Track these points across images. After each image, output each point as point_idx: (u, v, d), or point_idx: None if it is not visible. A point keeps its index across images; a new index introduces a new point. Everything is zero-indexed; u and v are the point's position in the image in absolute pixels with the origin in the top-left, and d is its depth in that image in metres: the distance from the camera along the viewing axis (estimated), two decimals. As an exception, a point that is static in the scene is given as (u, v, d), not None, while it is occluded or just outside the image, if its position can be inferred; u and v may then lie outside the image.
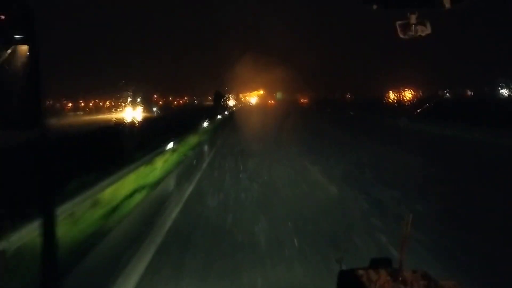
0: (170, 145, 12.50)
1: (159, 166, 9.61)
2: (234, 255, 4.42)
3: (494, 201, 7.08)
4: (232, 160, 11.75)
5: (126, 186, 6.99)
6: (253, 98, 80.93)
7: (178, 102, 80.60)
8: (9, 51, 1.10)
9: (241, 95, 76.76)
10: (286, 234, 5.10)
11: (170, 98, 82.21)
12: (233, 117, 41.12)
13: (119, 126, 17.28)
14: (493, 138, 16.32)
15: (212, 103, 52.15)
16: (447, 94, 58.89)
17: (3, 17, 1.07)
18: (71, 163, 6.57)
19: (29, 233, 4.05)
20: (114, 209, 5.97)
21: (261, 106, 69.13)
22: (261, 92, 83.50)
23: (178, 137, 14.43)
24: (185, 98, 78.96)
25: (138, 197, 6.83)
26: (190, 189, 7.96)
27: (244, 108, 64.12)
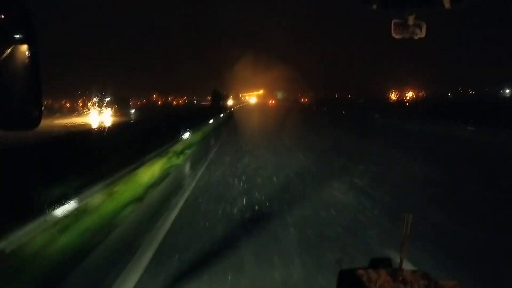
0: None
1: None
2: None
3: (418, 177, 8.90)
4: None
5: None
6: (253, 97, 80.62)
7: (178, 102, 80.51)
8: (8, 50, 1.10)
9: (241, 95, 76.38)
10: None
11: (170, 98, 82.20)
12: (231, 120, 35.55)
13: (73, 134, 13.41)
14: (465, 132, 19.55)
15: (209, 103, 49.30)
16: (449, 94, 58.90)
17: (2, 16, 1.07)
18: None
19: (29, 233, 4.05)
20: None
21: (262, 106, 67.93)
22: (261, 92, 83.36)
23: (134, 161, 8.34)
24: (185, 98, 78.87)
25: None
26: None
27: (244, 109, 62.32)
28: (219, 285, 3.66)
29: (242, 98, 76.99)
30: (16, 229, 4.03)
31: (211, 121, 26.41)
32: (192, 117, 22.93)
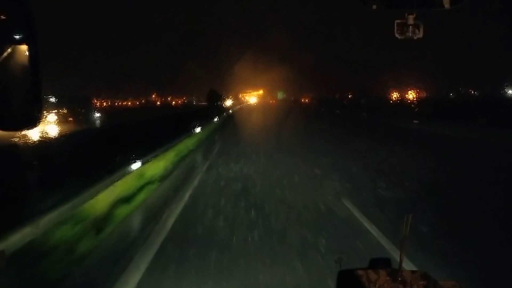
0: None
1: None
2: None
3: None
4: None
5: None
6: (253, 98, 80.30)
7: (177, 102, 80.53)
8: (8, 50, 1.10)
9: (240, 95, 75.95)
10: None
11: (169, 98, 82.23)
12: (229, 124, 29.14)
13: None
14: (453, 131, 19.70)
15: (207, 103, 44.27)
16: (451, 95, 58.92)
17: (2, 16, 1.07)
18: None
19: (29, 234, 4.06)
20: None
21: (263, 107, 66.09)
22: (261, 92, 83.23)
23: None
24: (184, 98, 78.89)
25: None
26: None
27: (244, 110, 60.02)
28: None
29: (242, 98, 76.32)
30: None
31: (197, 130, 18.17)
32: (180, 122, 19.02)
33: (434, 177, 8.82)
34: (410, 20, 1.83)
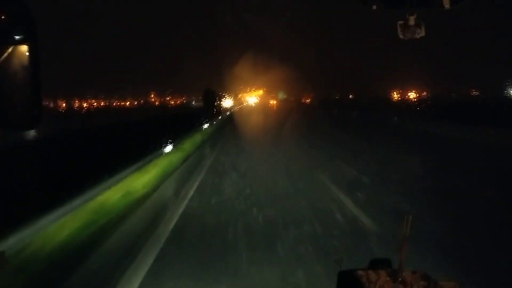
0: None
1: None
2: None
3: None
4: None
5: None
6: (253, 98, 79.80)
7: (176, 102, 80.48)
8: (9, 50, 1.10)
9: (240, 95, 75.40)
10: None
11: (168, 98, 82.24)
12: (226, 130, 24.38)
13: None
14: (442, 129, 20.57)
15: (203, 104, 39.09)
16: (453, 95, 58.93)
17: (2, 17, 1.07)
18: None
19: (29, 235, 4.06)
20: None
21: (264, 108, 63.70)
22: (262, 92, 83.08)
23: None
24: (183, 98, 78.82)
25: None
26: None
27: (243, 111, 56.97)
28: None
29: (242, 98, 75.76)
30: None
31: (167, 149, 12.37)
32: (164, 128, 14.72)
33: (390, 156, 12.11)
34: (411, 20, 1.83)
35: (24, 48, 1.13)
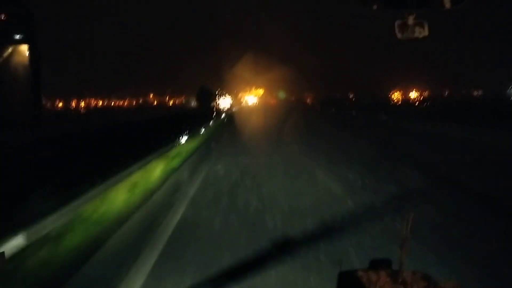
0: None
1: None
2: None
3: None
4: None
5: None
6: (254, 98, 79.44)
7: (174, 102, 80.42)
8: (9, 50, 1.10)
9: (240, 95, 75.00)
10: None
11: (167, 98, 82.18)
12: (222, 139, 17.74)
13: None
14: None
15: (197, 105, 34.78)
16: (446, 93, 59.00)
17: (3, 17, 1.08)
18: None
19: (30, 235, 4.06)
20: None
21: (265, 108, 60.89)
22: (262, 91, 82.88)
23: None
24: (183, 98, 78.74)
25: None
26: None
27: (243, 112, 52.01)
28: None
29: (242, 98, 75.38)
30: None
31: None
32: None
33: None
34: (410, 20, 1.83)
35: (24, 48, 1.13)
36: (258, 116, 38.39)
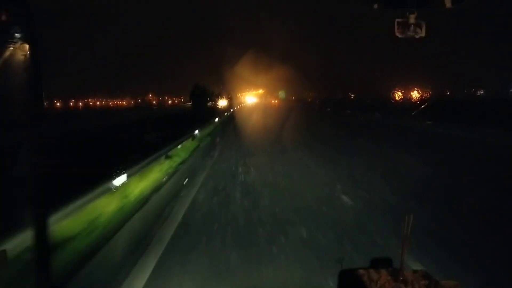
0: None
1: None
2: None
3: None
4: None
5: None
6: (254, 98, 79.16)
7: (174, 102, 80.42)
8: (10, 50, 1.10)
9: (239, 95, 74.53)
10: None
11: (166, 98, 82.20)
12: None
13: None
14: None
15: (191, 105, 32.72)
16: (447, 93, 58.99)
17: (3, 16, 1.07)
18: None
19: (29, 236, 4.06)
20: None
21: (266, 109, 58.97)
22: (262, 91, 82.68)
23: None
24: (181, 98, 78.74)
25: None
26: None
27: (243, 112, 48.99)
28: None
29: (242, 98, 74.86)
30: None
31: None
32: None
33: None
34: (411, 19, 1.83)
35: (24, 48, 1.13)
36: (258, 115, 38.32)
